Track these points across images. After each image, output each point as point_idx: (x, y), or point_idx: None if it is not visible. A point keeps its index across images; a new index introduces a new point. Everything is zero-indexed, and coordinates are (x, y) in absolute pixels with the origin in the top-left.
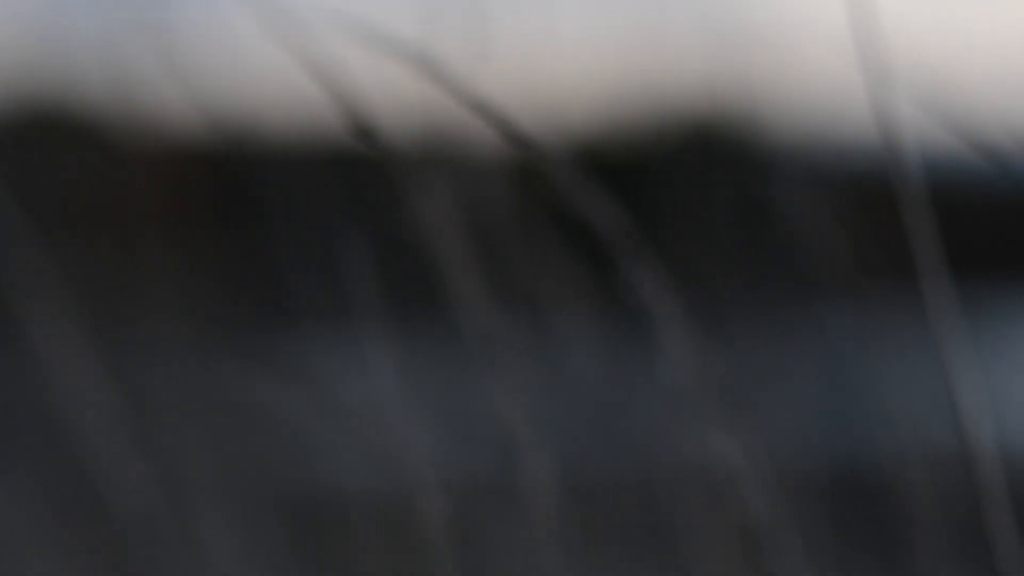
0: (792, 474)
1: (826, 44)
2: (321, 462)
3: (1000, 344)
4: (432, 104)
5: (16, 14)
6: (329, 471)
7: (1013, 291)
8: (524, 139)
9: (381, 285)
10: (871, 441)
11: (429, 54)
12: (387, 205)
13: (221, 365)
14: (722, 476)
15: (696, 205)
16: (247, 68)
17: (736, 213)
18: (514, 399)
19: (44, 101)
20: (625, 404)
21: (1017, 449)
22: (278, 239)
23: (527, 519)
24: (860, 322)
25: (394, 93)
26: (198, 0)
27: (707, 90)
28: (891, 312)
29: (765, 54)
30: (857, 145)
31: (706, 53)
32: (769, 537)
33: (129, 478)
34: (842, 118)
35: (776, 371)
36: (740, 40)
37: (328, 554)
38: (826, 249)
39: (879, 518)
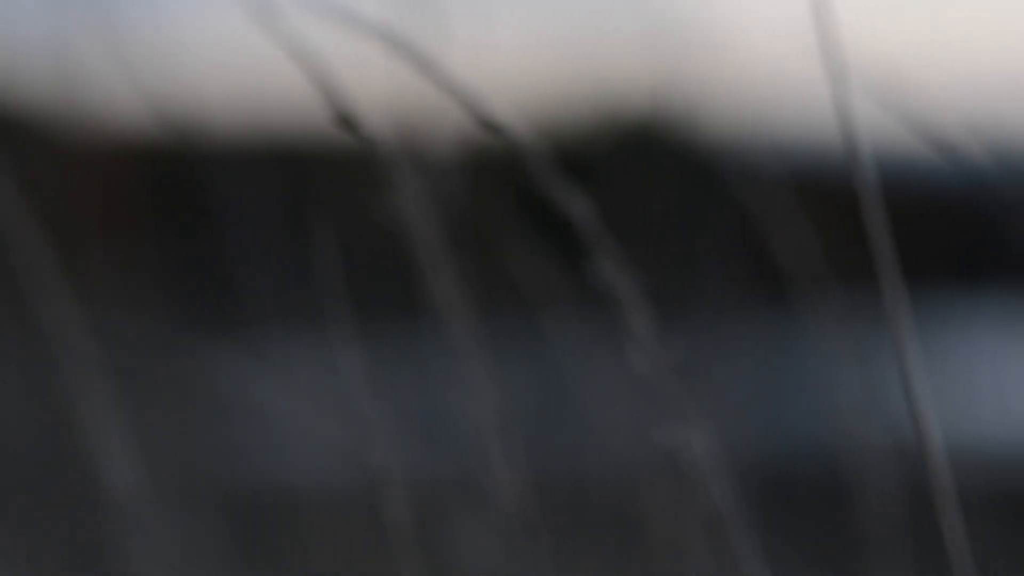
0: (744, 466)
1: (769, 41)
2: (278, 457)
3: (949, 341)
4: (403, 94)
5: None
6: (286, 467)
7: (965, 288)
8: (495, 122)
9: (346, 281)
10: (817, 435)
11: (403, 36)
12: (346, 199)
13: (172, 360)
14: (683, 466)
15: (638, 202)
16: (196, 65)
17: (677, 210)
18: (481, 395)
19: None
20: (593, 396)
21: (964, 445)
22: (229, 236)
23: (493, 514)
24: (808, 319)
25: (369, 83)
26: None
27: (648, 88)
28: (841, 309)
29: (705, 52)
30: (799, 142)
31: (647, 51)
32: (728, 527)
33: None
34: (784, 115)
35: (726, 365)
36: (680, 38)
37: (284, 549)
38: (773, 245)
39: (828, 510)
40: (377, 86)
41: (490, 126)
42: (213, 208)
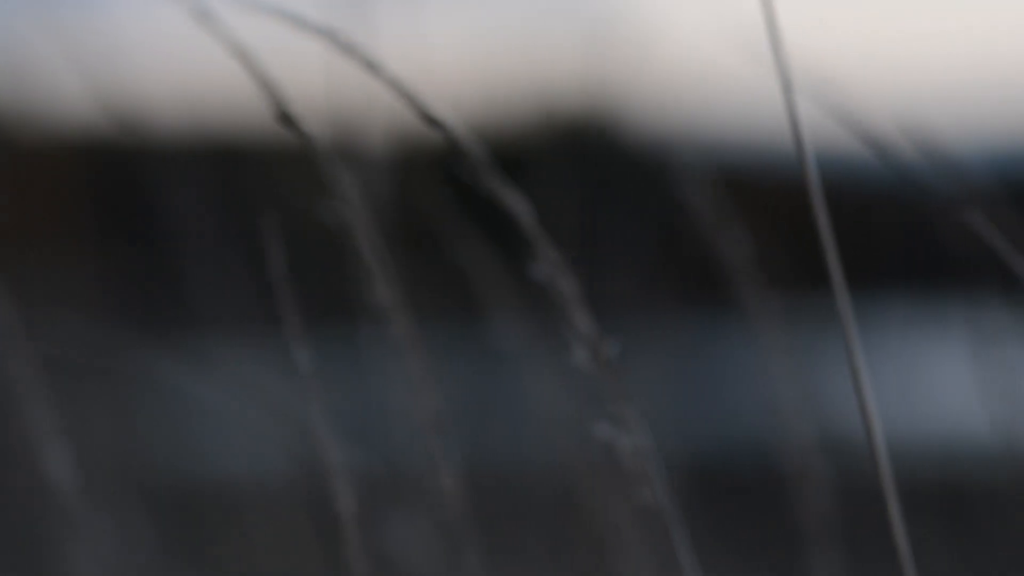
0: (680, 461)
1: (699, 39)
2: (217, 454)
3: (884, 339)
4: (342, 91)
5: None
6: (226, 463)
7: (900, 288)
8: (438, 118)
9: (290, 279)
10: (752, 431)
11: (344, 34)
12: (289, 197)
13: (112, 358)
14: (620, 461)
15: (572, 200)
16: (140, 64)
17: (612, 207)
18: (419, 392)
19: None
20: (533, 392)
21: (898, 440)
22: (172, 234)
23: (430, 510)
24: (744, 316)
25: (308, 81)
26: None
27: (581, 86)
28: (775, 305)
29: (637, 50)
30: (730, 138)
31: (580, 50)
32: (664, 522)
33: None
34: (715, 112)
35: (659, 363)
36: (613, 36)
37: (223, 545)
38: (708, 242)
39: (763, 505)
40: (316, 84)
41: (433, 122)
42: (156, 206)
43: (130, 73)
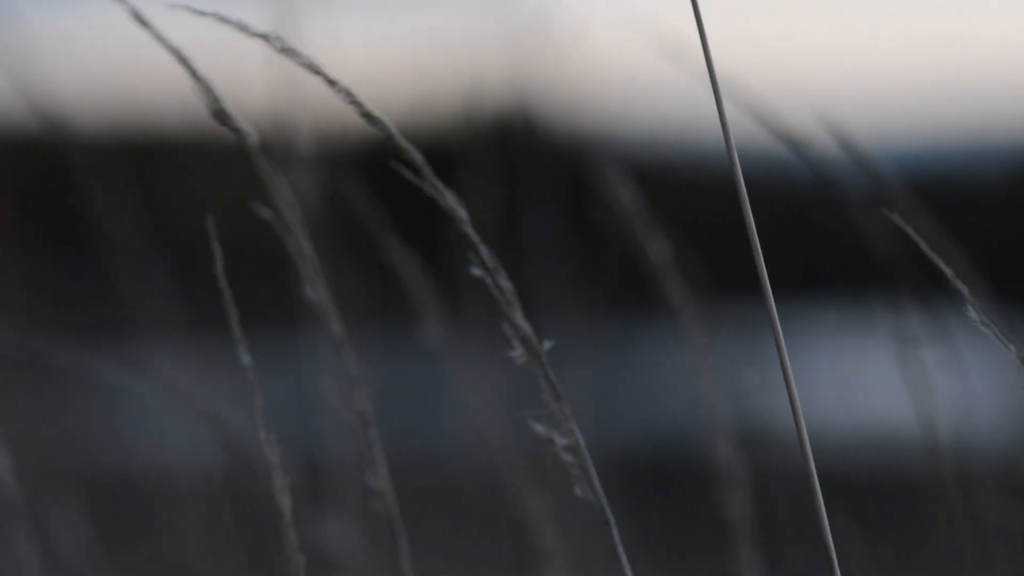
0: (609, 458)
1: (621, 38)
2: (150, 447)
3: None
4: (276, 90)
5: None
6: (159, 456)
7: (814, 285)
8: (376, 116)
9: (224, 278)
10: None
11: (281, 34)
12: (223, 195)
13: (43, 355)
14: (553, 455)
15: (498, 197)
16: (69, 62)
17: (538, 203)
18: (351, 388)
19: None
20: (466, 388)
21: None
22: (100, 233)
23: (360, 503)
24: (667, 313)
25: (242, 79)
26: None
27: (506, 87)
28: (696, 302)
29: (561, 48)
30: (656, 135)
31: (505, 48)
32: (597, 513)
33: None
34: (640, 111)
35: (586, 360)
36: (537, 37)
37: (155, 537)
38: (632, 238)
39: (689, 497)
40: (250, 83)
41: (373, 120)
42: (83, 205)
43: (54, 73)
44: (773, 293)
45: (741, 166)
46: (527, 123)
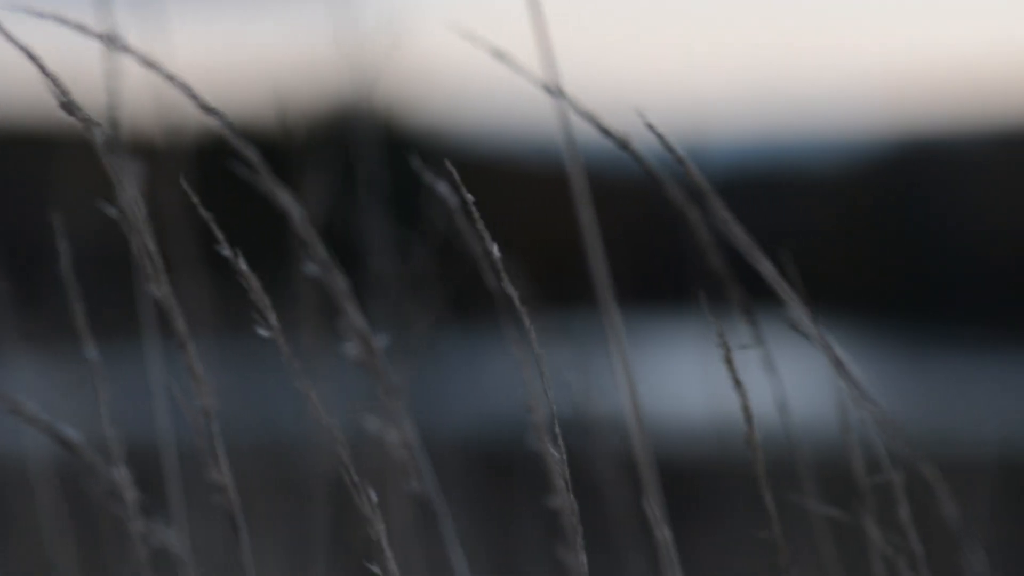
0: (443, 451)
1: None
2: None
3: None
4: (118, 88)
5: None
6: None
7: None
8: (211, 107)
9: (76, 271)
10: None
11: (119, 33)
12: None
13: None
14: (390, 450)
15: (339, 195)
16: None
17: (379, 202)
18: (194, 382)
19: None
20: (304, 382)
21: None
22: None
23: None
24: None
25: (85, 78)
26: None
27: (344, 83)
28: (537, 296)
29: (397, 46)
30: (491, 131)
31: (342, 46)
32: (431, 509)
33: None
34: (476, 106)
35: (428, 359)
36: (382, 38)
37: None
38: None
39: (527, 489)
40: (92, 81)
41: (209, 110)
42: None
43: None
44: (606, 292)
45: (571, 163)
46: (368, 122)
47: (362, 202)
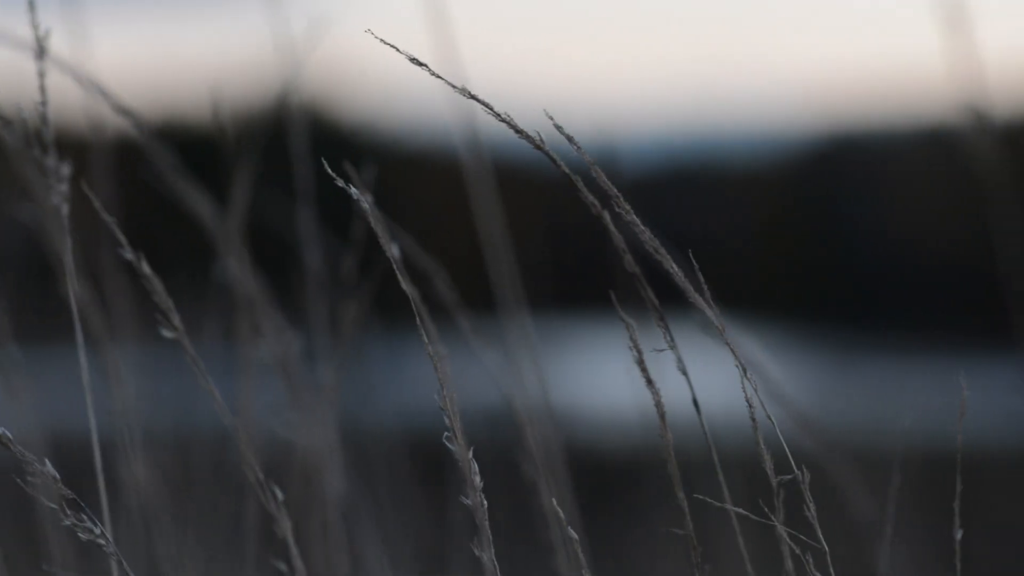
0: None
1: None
2: None
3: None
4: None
5: None
6: None
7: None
8: (125, 108)
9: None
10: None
11: (46, 40)
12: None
13: None
14: (305, 454)
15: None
16: None
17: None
18: (119, 382)
19: None
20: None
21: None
22: None
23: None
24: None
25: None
26: None
27: (274, 82)
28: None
29: (331, 45)
30: (425, 128)
31: (273, 45)
32: (347, 512)
33: None
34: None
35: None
36: (307, 33)
37: None
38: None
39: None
40: (16, 84)
41: (123, 111)
42: None
43: None
44: (510, 290)
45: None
46: (298, 119)
47: (294, 200)
